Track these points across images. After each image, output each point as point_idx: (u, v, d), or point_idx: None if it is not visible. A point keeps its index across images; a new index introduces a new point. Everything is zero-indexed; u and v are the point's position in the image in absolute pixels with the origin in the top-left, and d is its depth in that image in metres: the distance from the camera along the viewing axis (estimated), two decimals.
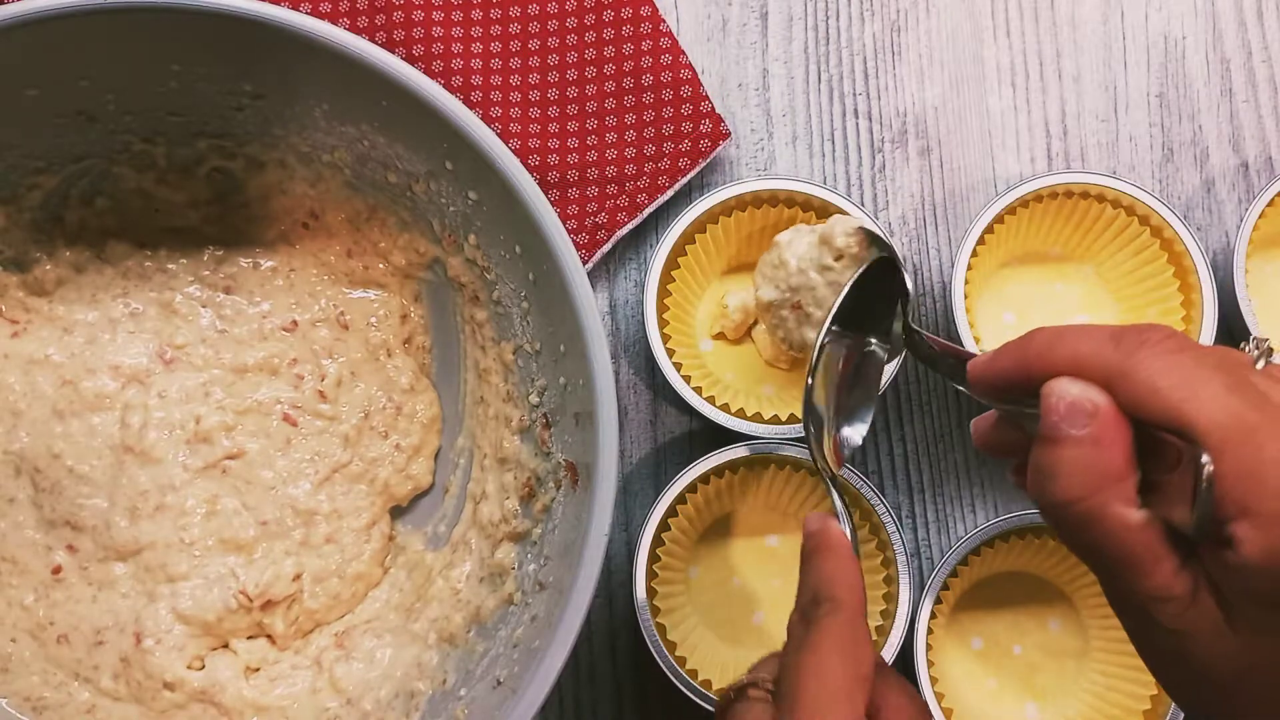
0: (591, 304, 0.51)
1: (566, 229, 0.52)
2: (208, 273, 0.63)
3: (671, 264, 0.62)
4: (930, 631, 0.59)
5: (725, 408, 0.60)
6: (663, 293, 0.62)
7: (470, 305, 0.60)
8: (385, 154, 0.57)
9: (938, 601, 0.59)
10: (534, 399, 0.57)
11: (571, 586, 0.49)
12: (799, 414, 0.61)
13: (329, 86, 0.55)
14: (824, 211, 0.63)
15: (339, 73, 0.53)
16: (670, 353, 0.61)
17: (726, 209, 0.62)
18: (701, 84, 0.66)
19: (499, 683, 0.52)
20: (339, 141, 0.58)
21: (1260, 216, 0.62)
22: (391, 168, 0.58)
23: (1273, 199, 0.62)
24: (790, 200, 0.63)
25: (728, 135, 0.66)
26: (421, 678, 0.57)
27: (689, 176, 0.66)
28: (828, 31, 0.69)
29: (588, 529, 0.49)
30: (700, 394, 0.60)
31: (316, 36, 0.52)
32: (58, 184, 0.59)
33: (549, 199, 0.53)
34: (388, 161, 0.57)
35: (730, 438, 0.60)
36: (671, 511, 0.60)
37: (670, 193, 0.66)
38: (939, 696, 0.58)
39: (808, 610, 0.42)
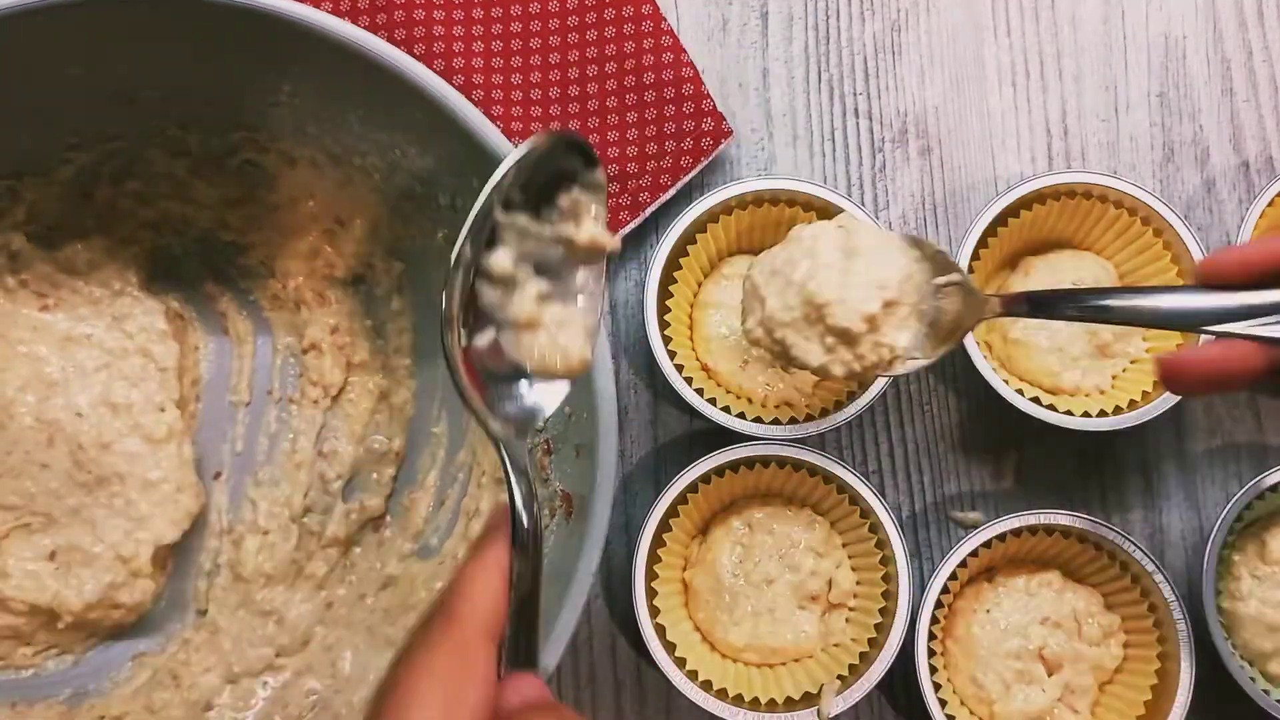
0: (602, 337, 0.51)
1: None
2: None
3: (672, 264, 0.62)
4: (932, 636, 0.59)
5: (726, 409, 0.60)
6: (663, 293, 0.62)
7: None
8: (414, 164, 0.57)
9: (938, 605, 0.59)
10: (537, 424, 0.57)
11: (555, 619, 0.49)
12: (798, 415, 0.61)
13: (365, 95, 0.54)
14: (824, 212, 0.63)
15: (376, 83, 0.53)
16: (671, 354, 0.61)
17: (727, 208, 0.62)
18: (703, 82, 0.66)
19: None
20: (371, 147, 0.58)
21: (1261, 216, 0.62)
22: (420, 178, 0.58)
23: (1273, 199, 0.62)
24: (791, 200, 0.62)
25: (730, 133, 0.66)
26: None
27: (691, 175, 0.65)
28: (828, 31, 0.69)
29: (576, 563, 0.49)
30: (701, 395, 0.60)
31: (357, 46, 0.51)
32: (90, 161, 0.59)
33: None
34: (416, 172, 0.57)
35: (730, 438, 0.60)
36: (672, 511, 0.60)
37: (672, 191, 0.65)
38: (942, 703, 0.58)
39: (429, 616, 0.37)
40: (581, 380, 0.51)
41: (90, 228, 0.62)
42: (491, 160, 0.52)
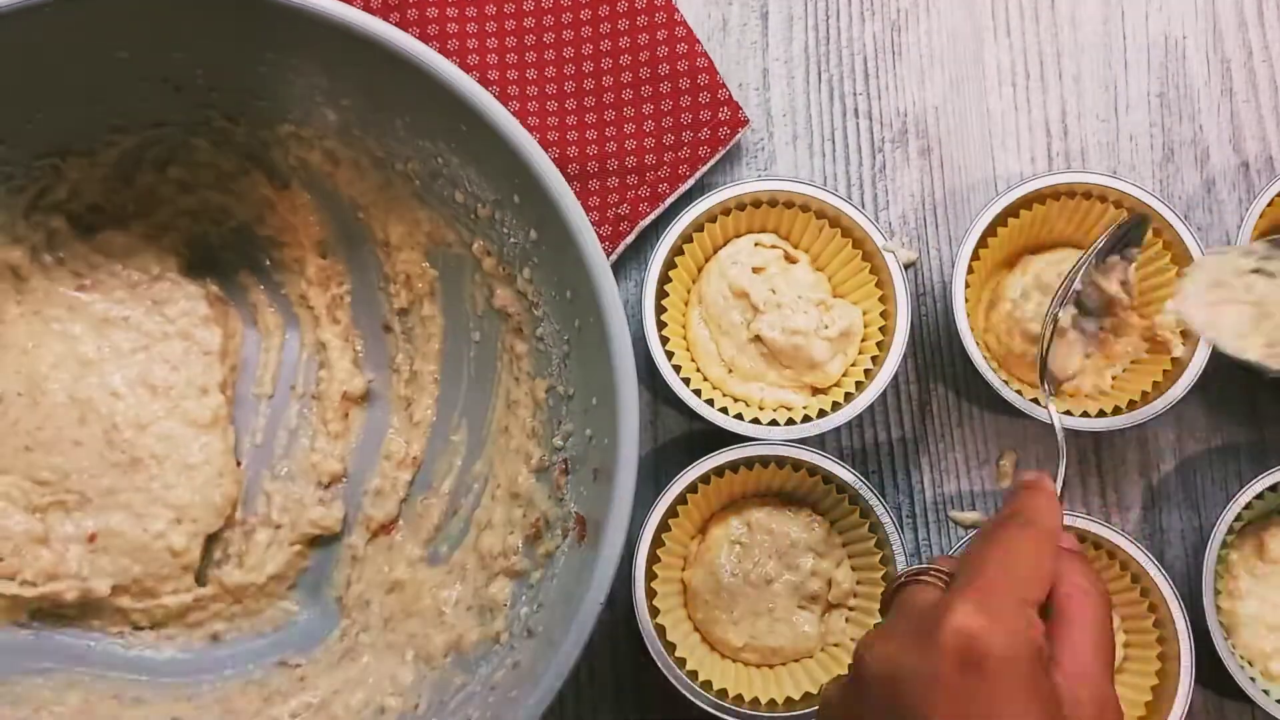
0: (631, 371, 0.50)
1: (589, 220, 0.52)
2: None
3: (669, 264, 0.62)
4: None
5: (724, 410, 0.60)
6: (660, 293, 0.62)
7: (512, 335, 0.60)
8: (456, 174, 0.57)
9: None
10: (558, 441, 0.57)
11: (560, 644, 0.49)
12: (796, 416, 0.61)
13: (413, 102, 0.55)
14: (822, 213, 0.63)
15: (424, 91, 0.53)
16: (669, 354, 0.61)
17: (725, 209, 0.62)
18: (718, 71, 0.66)
19: None
20: (414, 153, 0.58)
21: (1260, 216, 0.62)
22: (460, 188, 0.58)
23: (1273, 199, 0.62)
24: (789, 202, 0.63)
25: (746, 121, 0.66)
26: (394, 694, 0.57)
27: (709, 164, 0.66)
28: (828, 31, 0.69)
29: (585, 592, 0.49)
30: (699, 396, 0.60)
31: (407, 54, 0.52)
32: (135, 145, 0.60)
33: (570, 190, 0.52)
34: (457, 181, 0.57)
35: (730, 438, 0.60)
36: (671, 512, 0.60)
37: (691, 181, 0.66)
38: None
39: (1004, 520, 0.45)
40: (605, 403, 0.51)
41: (130, 212, 0.62)
42: (535, 181, 0.52)
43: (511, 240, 0.57)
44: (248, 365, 0.66)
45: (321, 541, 0.64)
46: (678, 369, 0.61)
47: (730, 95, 0.66)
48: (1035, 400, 0.61)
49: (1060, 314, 0.58)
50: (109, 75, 0.55)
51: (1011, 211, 0.62)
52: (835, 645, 0.60)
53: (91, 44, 0.53)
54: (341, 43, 0.52)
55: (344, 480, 0.65)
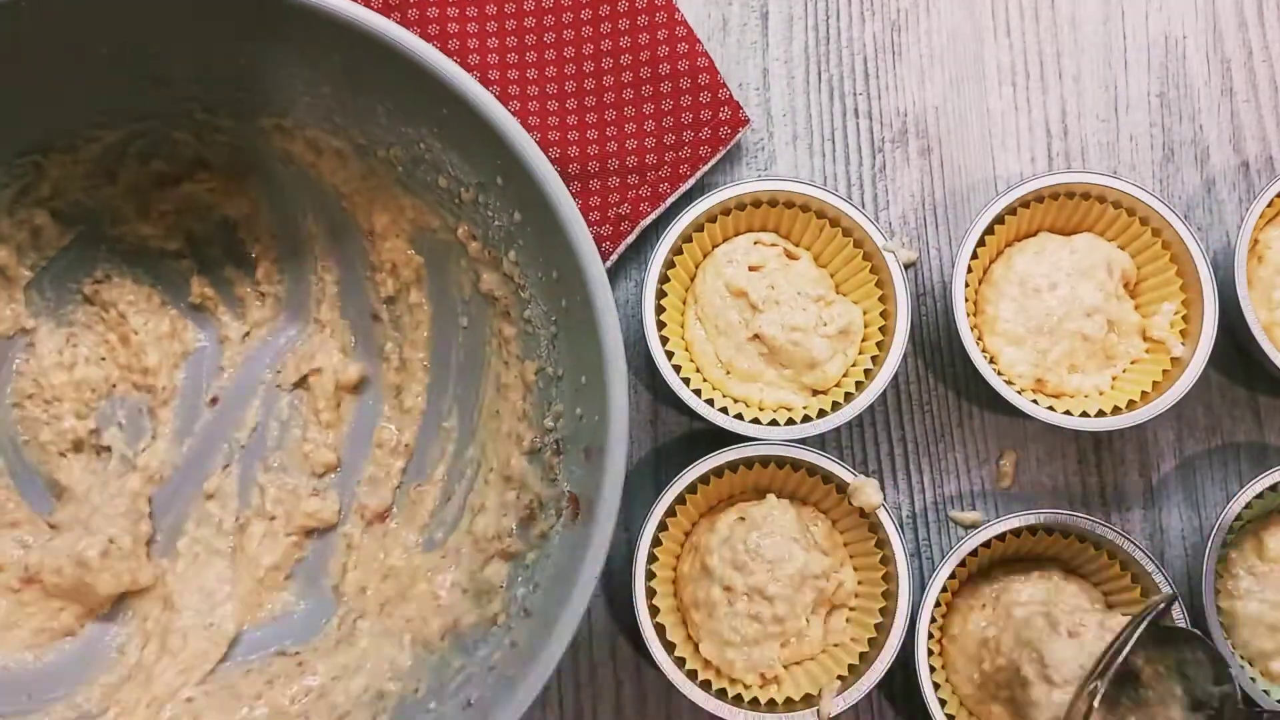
0: (619, 345, 0.51)
1: (589, 220, 0.52)
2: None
3: (669, 264, 0.62)
4: (930, 636, 0.59)
5: (724, 410, 0.60)
6: (659, 293, 0.62)
7: (500, 319, 0.60)
8: (439, 159, 0.57)
9: (936, 604, 0.59)
10: (549, 423, 0.57)
11: (556, 621, 0.49)
12: (796, 416, 0.61)
13: (393, 88, 0.55)
14: (822, 213, 0.63)
15: (404, 76, 0.53)
16: (669, 354, 0.61)
17: (725, 209, 0.62)
18: (718, 71, 0.66)
19: (469, 704, 0.52)
20: (396, 140, 0.58)
21: (1260, 216, 0.62)
22: (443, 172, 0.58)
23: (1273, 199, 0.62)
24: (790, 202, 0.63)
25: (747, 121, 0.66)
26: (393, 678, 0.57)
27: (710, 164, 0.66)
28: (828, 31, 0.69)
29: (580, 569, 0.49)
30: (699, 396, 0.60)
31: (387, 39, 0.52)
32: (117, 140, 0.60)
33: (570, 190, 0.52)
34: (440, 166, 0.57)
35: (731, 437, 0.60)
36: (671, 511, 0.60)
37: (692, 181, 0.66)
38: (941, 702, 0.58)
39: None
40: (594, 381, 0.51)
41: (115, 207, 0.63)
42: (518, 161, 0.52)
43: (496, 223, 0.57)
44: (242, 359, 0.66)
45: (317, 531, 0.64)
46: (677, 369, 0.60)
47: (730, 95, 0.66)
48: (1035, 400, 0.61)
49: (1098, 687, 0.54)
50: (90, 70, 0.55)
51: (1011, 211, 0.62)
52: (835, 645, 0.60)
53: (71, 39, 0.53)
54: (321, 30, 0.52)
55: (337, 470, 0.65)
